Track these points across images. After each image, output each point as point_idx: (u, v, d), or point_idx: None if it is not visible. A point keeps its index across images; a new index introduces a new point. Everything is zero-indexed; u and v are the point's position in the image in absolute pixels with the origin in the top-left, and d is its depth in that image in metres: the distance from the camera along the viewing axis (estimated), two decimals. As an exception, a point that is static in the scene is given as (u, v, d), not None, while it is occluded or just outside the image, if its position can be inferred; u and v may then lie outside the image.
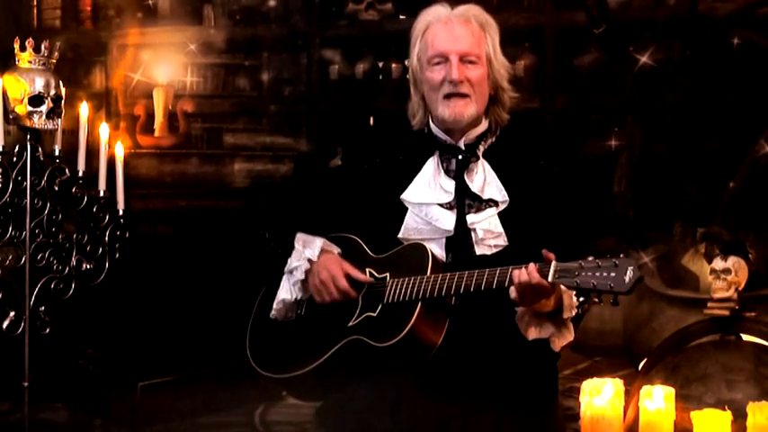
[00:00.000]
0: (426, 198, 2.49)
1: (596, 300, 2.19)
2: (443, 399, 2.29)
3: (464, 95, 2.45)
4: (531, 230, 2.40)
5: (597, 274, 2.15)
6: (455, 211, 2.47)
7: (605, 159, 4.66)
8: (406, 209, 2.51)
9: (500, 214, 2.46)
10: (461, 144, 2.50)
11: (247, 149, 5.51)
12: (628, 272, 2.13)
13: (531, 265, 2.22)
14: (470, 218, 2.46)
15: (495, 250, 2.44)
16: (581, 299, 2.26)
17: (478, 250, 2.44)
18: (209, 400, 3.66)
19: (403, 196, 2.51)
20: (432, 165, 2.52)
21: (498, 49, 2.51)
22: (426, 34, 2.50)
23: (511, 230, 2.44)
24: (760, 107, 4.30)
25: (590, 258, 2.17)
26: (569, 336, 2.35)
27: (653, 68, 4.52)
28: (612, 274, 2.13)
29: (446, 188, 2.49)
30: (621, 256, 2.16)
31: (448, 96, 2.45)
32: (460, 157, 2.50)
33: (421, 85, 2.53)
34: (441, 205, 2.48)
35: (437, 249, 2.46)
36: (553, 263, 2.20)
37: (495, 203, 2.47)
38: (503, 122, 2.54)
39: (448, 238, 2.47)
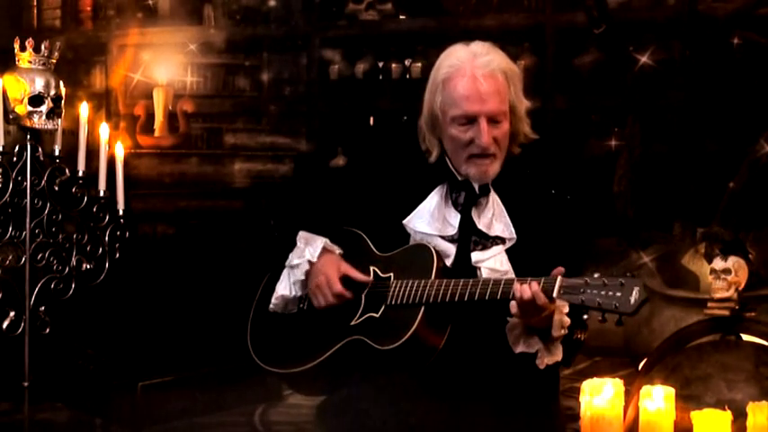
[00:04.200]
0: (429, 229, 2.45)
1: (600, 319, 2.16)
2: (444, 400, 2.29)
3: (488, 156, 2.39)
4: (539, 266, 2.31)
5: (603, 292, 2.12)
6: (456, 245, 2.43)
7: (605, 159, 4.66)
8: (408, 235, 2.48)
9: (508, 251, 2.42)
10: (475, 185, 2.44)
11: (247, 149, 5.52)
12: (634, 292, 2.10)
13: (535, 284, 2.20)
14: (476, 255, 2.41)
15: None
16: (585, 316, 2.23)
17: None
18: (209, 400, 3.66)
19: (405, 222, 2.48)
20: (439, 194, 2.47)
21: (521, 95, 2.43)
22: (449, 85, 2.39)
23: (519, 267, 2.39)
24: (760, 107, 4.30)
25: (596, 276, 2.15)
26: (557, 355, 2.32)
27: (653, 68, 4.52)
28: (618, 294, 2.11)
29: (451, 222, 2.45)
30: (628, 275, 2.13)
31: (472, 156, 2.39)
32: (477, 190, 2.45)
33: (439, 130, 2.45)
34: (443, 237, 2.45)
35: None
36: (558, 279, 2.18)
37: (503, 240, 2.42)
38: (513, 154, 2.48)
39: (448, 271, 2.41)
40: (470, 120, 2.37)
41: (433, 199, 2.47)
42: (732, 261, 3.38)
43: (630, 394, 2.86)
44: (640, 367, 3.42)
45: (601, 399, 2.63)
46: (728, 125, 4.44)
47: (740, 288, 3.37)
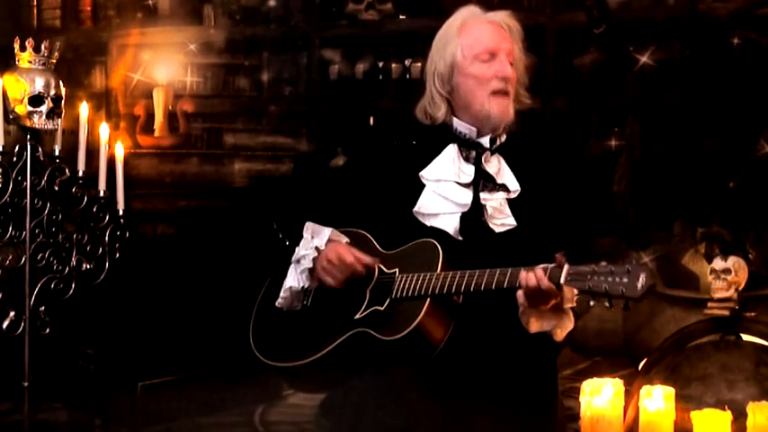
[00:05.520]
0: (445, 175, 2.54)
1: (606, 304, 2.18)
2: (445, 396, 2.29)
3: (507, 94, 2.54)
4: (537, 219, 2.47)
5: (609, 278, 2.14)
6: (471, 188, 2.52)
7: (605, 159, 4.66)
8: (422, 187, 2.54)
9: (510, 201, 2.52)
10: (484, 140, 2.56)
11: (247, 149, 5.52)
12: (640, 278, 2.12)
13: (540, 271, 2.22)
14: (483, 195, 2.51)
15: (503, 229, 2.49)
16: (591, 303, 2.25)
17: (490, 225, 2.48)
18: (209, 400, 3.66)
19: (422, 173, 2.55)
20: (452, 150, 2.57)
21: (523, 56, 2.61)
22: (467, 29, 2.58)
23: (519, 217, 2.50)
24: (760, 107, 4.30)
25: (603, 263, 2.17)
26: (570, 324, 2.35)
27: (653, 68, 4.53)
28: (625, 280, 2.13)
29: (465, 171, 2.54)
30: (634, 262, 2.16)
31: (495, 93, 2.52)
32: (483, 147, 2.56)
33: (454, 80, 2.57)
34: (458, 183, 2.53)
35: (452, 225, 2.48)
36: (565, 266, 2.20)
37: (507, 190, 2.53)
38: (512, 129, 2.60)
39: (463, 214, 2.49)
40: (492, 55, 2.54)
41: (448, 154, 2.57)
42: (732, 261, 3.38)
43: (630, 394, 2.87)
44: (640, 367, 3.43)
45: (601, 399, 2.64)
46: (728, 125, 4.44)
47: (740, 288, 3.38)
